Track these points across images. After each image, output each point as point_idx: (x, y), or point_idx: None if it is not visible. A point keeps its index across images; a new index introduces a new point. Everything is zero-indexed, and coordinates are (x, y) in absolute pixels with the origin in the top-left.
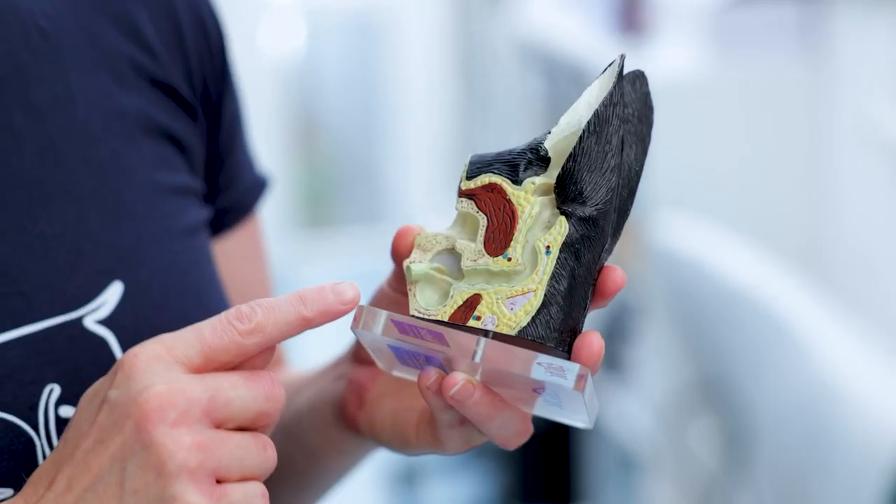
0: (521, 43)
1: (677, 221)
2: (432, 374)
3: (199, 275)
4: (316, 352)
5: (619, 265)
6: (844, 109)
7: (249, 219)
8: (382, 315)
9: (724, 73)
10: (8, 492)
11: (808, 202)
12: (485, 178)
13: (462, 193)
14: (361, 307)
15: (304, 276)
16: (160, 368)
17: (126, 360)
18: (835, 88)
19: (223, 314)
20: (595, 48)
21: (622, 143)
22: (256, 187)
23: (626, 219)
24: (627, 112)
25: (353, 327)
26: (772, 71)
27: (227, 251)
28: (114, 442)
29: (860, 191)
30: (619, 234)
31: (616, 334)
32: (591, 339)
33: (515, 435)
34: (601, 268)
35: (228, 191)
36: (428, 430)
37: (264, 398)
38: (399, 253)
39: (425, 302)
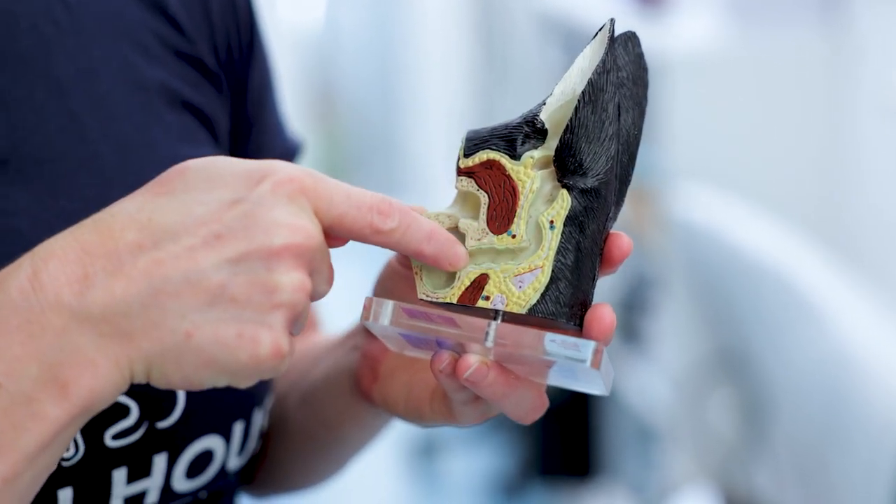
0: (541, 12)
1: (697, 193)
2: (445, 357)
3: None
4: (346, 313)
5: (638, 237)
6: (865, 81)
7: None
8: (390, 305)
9: (743, 44)
10: None
11: (828, 174)
12: (483, 155)
13: (461, 172)
14: (370, 298)
15: None
16: (305, 205)
17: (278, 178)
18: (855, 60)
19: (370, 200)
20: (615, 19)
21: (619, 109)
22: (287, 152)
23: (629, 184)
24: (622, 76)
25: (364, 320)
26: (792, 43)
27: None
28: (236, 246)
29: (880, 163)
30: (622, 200)
31: (635, 306)
32: (603, 311)
33: (531, 410)
34: (606, 236)
35: (257, 157)
36: (442, 404)
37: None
38: None
39: (432, 285)
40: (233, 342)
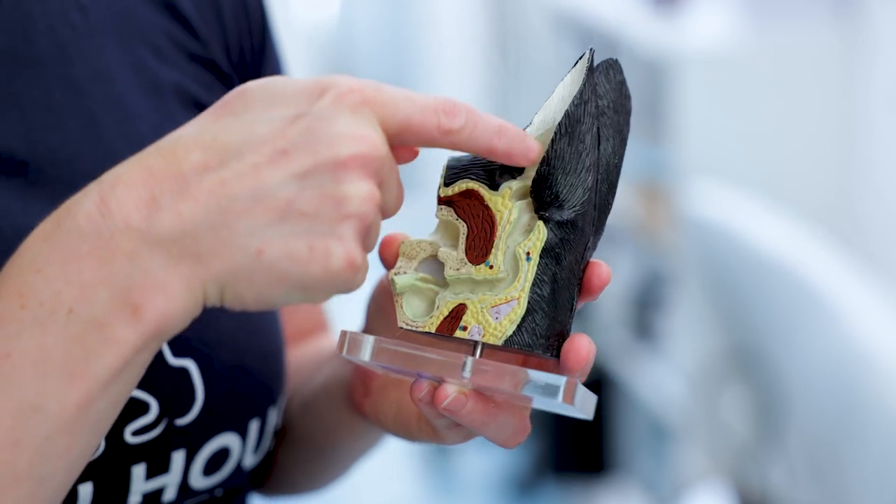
0: (555, 11)
1: (710, 190)
2: (424, 385)
3: None
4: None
5: (650, 234)
6: (878, 77)
7: None
8: (370, 340)
9: (756, 41)
10: None
11: (842, 171)
12: (462, 185)
13: (441, 200)
14: (345, 332)
15: None
16: (369, 115)
17: (339, 90)
18: (868, 57)
19: (434, 101)
20: (629, 17)
21: (598, 138)
22: None
23: (608, 213)
24: (602, 104)
25: (340, 352)
26: (805, 39)
27: None
28: (302, 160)
29: (894, 159)
30: (602, 229)
31: (648, 303)
32: (580, 343)
33: (513, 436)
34: (586, 265)
35: None
36: (428, 425)
37: (399, 200)
38: (386, 261)
39: (412, 313)
40: (304, 256)
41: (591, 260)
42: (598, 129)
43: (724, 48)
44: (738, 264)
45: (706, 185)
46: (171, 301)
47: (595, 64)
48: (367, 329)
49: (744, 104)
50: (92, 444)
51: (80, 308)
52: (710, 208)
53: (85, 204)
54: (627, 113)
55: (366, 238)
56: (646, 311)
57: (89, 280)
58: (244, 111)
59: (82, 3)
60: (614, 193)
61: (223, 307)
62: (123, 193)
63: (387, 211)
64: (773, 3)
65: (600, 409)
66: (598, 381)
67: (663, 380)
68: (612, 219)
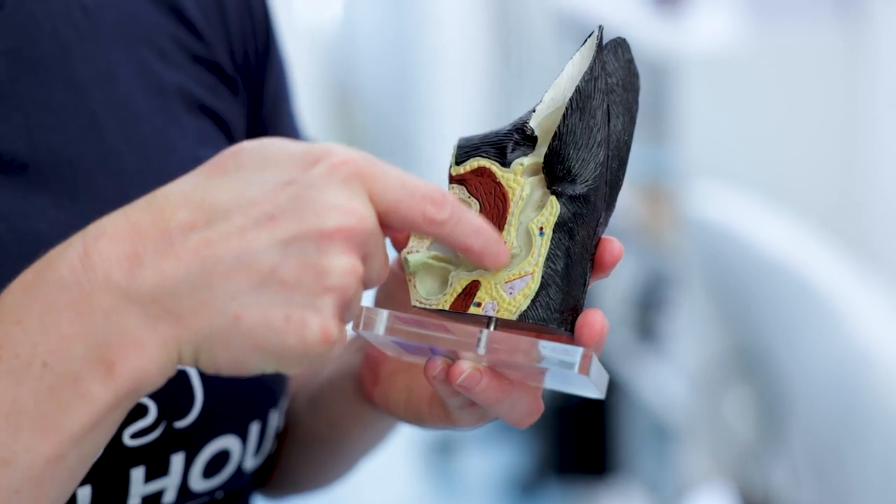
0: (557, 10)
1: (713, 191)
2: (438, 363)
3: None
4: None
5: (653, 235)
6: (882, 79)
7: None
8: (384, 314)
9: (759, 42)
10: None
11: (845, 172)
12: (473, 163)
13: (452, 179)
14: (362, 307)
15: None
16: (359, 189)
17: (333, 160)
18: (872, 57)
19: (424, 188)
20: (631, 18)
21: (608, 115)
22: None
23: (619, 189)
24: (611, 82)
25: (355, 328)
26: (808, 40)
27: None
28: (288, 227)
29: None
30: (613, 205)
31: (651, 304)
32: (594, 317)
33: (527, 414)
34: (598, 241)
35: None
36: (440, 408)
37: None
38: (397, 242)
39: (425, 291)
40: (281, 326)
41: (603, 236)
42: (608, 105)
43: (727, 49)
44: (741, 265)
45: (709, 186)
46: (146, 359)
47: (604, 42)
48: None
49: (747, 105)
50: (62, 496)
51: (55, 362)
52: (713, 209)
53: (68, 255)
54: (636, 91)
55: (345, 311)
56: (648, 311)
57: (66, 333)
58: (235, 171)
59: (86, 4)
60: (625, 170)
61: (198, 369)
62: (107, 247)
63: (369, 283)
64: (775, 3)
65: (603, 410)
66: None
67: (666, 381)
68: (615, 219)
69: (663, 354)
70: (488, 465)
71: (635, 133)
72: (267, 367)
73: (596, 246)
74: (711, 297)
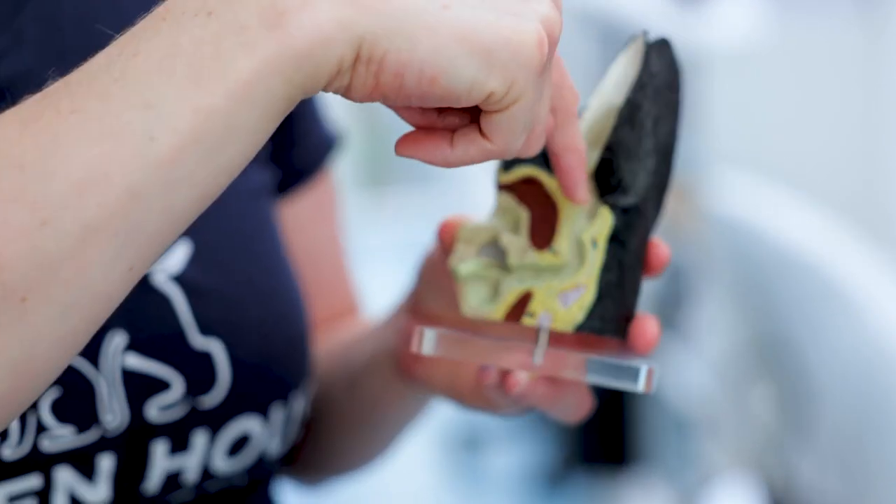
0: (580, 8)
1: (735, 184)
2: (493, 373)
3: (263, 238)
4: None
5: (676, 228)
6: None
7: (320, 178)
8: (435, 334)
9: (781, 36)
10: (68, 428)
11: (867, 165)
12: (522, 170)
13: (501, 187)
14: (418, 329)
15: (362, 235)
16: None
17: None
18: (893, 51)
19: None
20: (654, 13)
21: (656, 120)
22: (325, 145)
23: (669, 191)
24: (657, 84)
25: (413, 349)
26: (830, 34)
27: (296, 211)
28: None
29: None
30: (663, 207)
31: (674, 296)
32: (647, 326)
33: (578, 411)
34: (648, 244)
35: (295, 149)
36: (483, 396)
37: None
38: (445, 244)
39: (476, 300)
40: (493, 19)
41: (651, 240)
42: (657, 110)
43: (749, 44)
44: (764, 257)
45: (732, 179)
46: (319, 29)
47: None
48: (417, 299)
49: (769, 99)
50: (182, 194)
51: (223, 11)
52: (736, 202)
53: None
54: (680, 88)
55: (551, 43)
56: (671, 304)
57: None
58: None
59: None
60: (673, 171)
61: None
62: None
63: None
64: None
65: (626, 401)
66: None
67: (689, 373)
68: None
69: (687, 346)
70: (512, 458)
71: None
72: (467, 68)
73: (646, 250)
74: (734, 289)
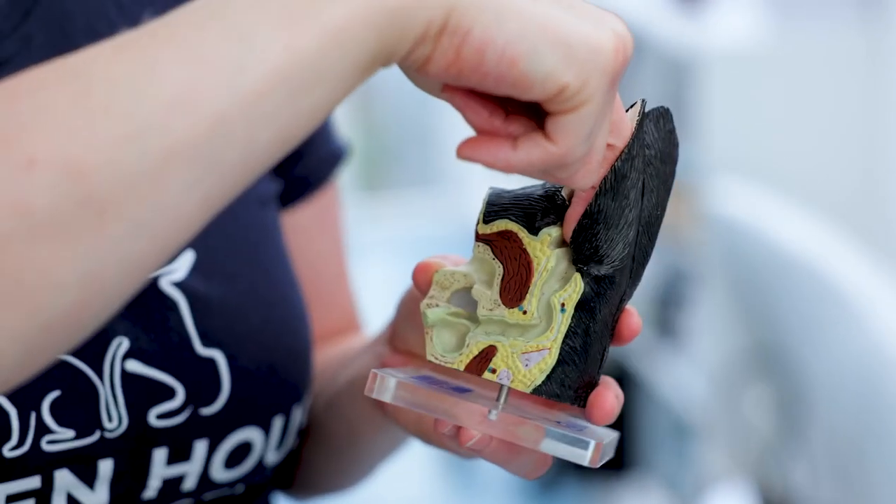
0: None
1: (734, 188)
2: (448, 423)
3: (268, 247)
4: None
5: (674, 231)
6: None
7: (325, 189)
8: (392, 381)
9: (781, 40)
10: (69, 432)
11: (866, 170)
12: (501, 224)
13: (479, 237)
14: (374, 374)
15: (360, 238)
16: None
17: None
18: (894, 55)
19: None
20: (653, 15)
21: (641, 192)
22: (330, 157)
23: (647, 263)
24: (649, 155)
25: (367, 393)
26: (830, 38)
27: (299, 222)
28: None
29: None
30: (639, 279)
31: (671, 301)
32: (605, 399)
33: (534, 470)
34: (620, 314)
35: (302, 160)
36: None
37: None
38: (419, 287)
39: (442, 347)
40: (575, 18)
41: (624, 309)
42: (644, 181)
43: (749, 46)
44: (762, 262)
45: (730, 183)
46: None
47: (646, 111)
48: (395, 332)
49: (768, 102)
50: (264, 130)
51: None
52: (734, 206)
53: None
54: (674, 162)
55: (625, 59)
56: (668, 308)
57: None
58: None
59: (121, 1)
60: (654, 244)
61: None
62: None
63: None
64: (798, 1)
65: (623, 406)
66: (620, 379)
67: (685, 377)
68: None
69: (683, 351)
70: None
71: None
72: (547, 57)
73: (617, 319)
74: (732, 293)
